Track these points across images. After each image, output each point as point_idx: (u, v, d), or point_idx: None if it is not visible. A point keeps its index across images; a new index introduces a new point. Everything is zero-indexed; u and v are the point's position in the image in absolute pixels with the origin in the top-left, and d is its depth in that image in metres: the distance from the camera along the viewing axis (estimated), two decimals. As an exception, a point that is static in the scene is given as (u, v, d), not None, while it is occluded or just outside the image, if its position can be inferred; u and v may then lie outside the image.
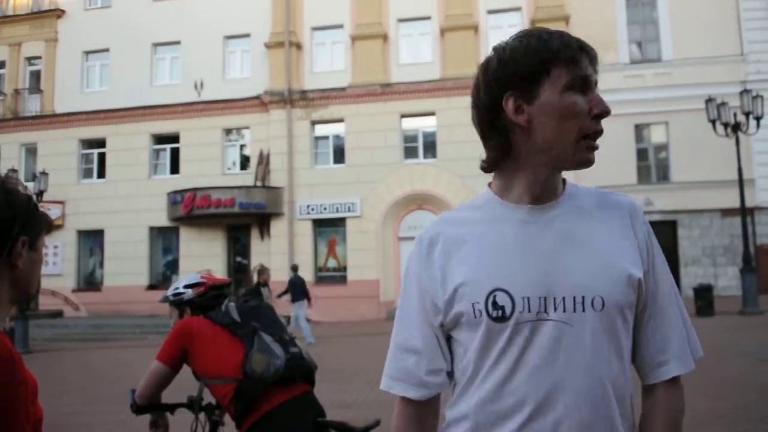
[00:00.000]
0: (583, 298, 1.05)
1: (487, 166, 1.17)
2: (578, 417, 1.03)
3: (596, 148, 1.09)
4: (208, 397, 2.61)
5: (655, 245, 1.16)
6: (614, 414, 1.06)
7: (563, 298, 1.05)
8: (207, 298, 2.74)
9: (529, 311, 1.05)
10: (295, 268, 14.38)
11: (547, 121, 1.07)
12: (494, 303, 1.06)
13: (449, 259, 1.12)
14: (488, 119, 1.12)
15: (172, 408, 2.70)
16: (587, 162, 1.09)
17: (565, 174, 1.17)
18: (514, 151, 1.11)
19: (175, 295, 2.78)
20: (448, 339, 1.15)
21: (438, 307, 1.13)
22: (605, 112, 1.08)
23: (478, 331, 1.07)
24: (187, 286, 2.78)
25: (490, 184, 1.19)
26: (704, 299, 13.90)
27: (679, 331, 1.15)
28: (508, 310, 1.05)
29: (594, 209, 1.14)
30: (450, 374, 1.16)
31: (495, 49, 1.12)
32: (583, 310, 1.05)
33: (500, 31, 19.43)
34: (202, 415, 2.66)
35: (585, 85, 1.08)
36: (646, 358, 1.15)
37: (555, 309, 1.05)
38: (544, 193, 1.12)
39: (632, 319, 1.11)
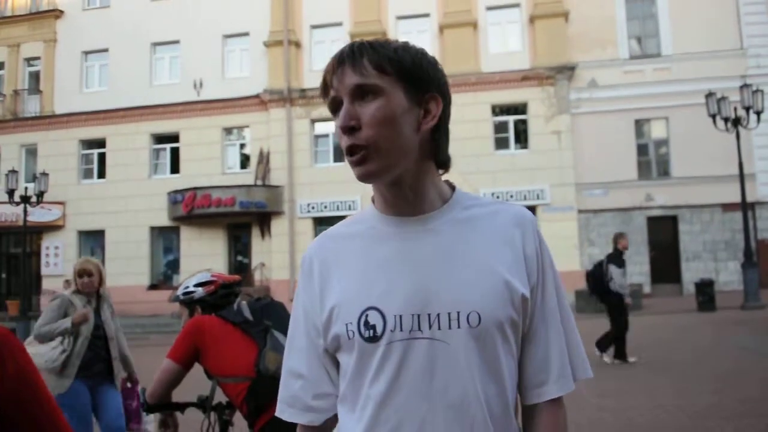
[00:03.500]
0: (458, 313, 0.99)
1: None
2: None
3: (356, 162, 1.02)
4: (219, 397, 2.62)
5: (547, 259, 1.10)
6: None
7: (438, 315, 1.00)
8: (217, 297, 2.74)
9: (401, 329, 1.00)
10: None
11: None
12: (366, 323, 1.01)
13: (328, 278, 1.09)
14: None
15: (183, 407, 2.70)
16: (358, 177, 1.03)
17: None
18: None
19: (185, 294, 2.78)
20: (336, 363, 1.11)
21: (319, 329, 1.09)
22: (342, 127, 1.02)
23: (352, 354, 1.03)
24: (197, 285, 2.77)
25: (373, 198, 1.15)
26: (705, 294, 13.91)
27: (560, 351, 1.08)
28: (379, 330, 1.01)
29: (479, 221, 1.08)
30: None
31: None
32: (459, 326, 0.99)
33: (499, 27, 19.46)
34: (212, 415, 2.67)
35: (336, 104, 1.05)
36: (525, 378, 1.08)
37: (429, 326, 0.99)
38: (403, 204, 1.07)
39: (515, 338, 1.05)
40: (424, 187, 1.08)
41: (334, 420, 1.13)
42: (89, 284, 4.07)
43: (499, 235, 1.07)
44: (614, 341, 8.55)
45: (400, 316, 1.01)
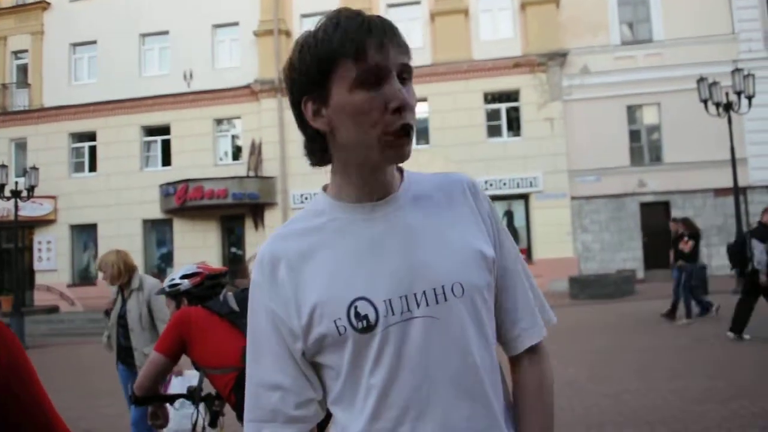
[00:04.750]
0: (443, 287, 1.01)
1: (313, 165, 1.12)
2: (459, 413, 1.00)
3: (404, 143, 1.00)
4: (208, 388, 2.60)
5: (497, 218, 1.14)
6: (491, 401, 1.04)
7: (424, 292, 1.01)
8: (204, 288, 2.73)
9: (393, 313, 1.00)
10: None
11: (344, 123, 1.00)
12: (356, 314, 0.99)
13: (299, 278, 1.03)
14: (299, 124, 1.07)
15: (172, 399, 2.69)
16: (397, 158, 1.01)
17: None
18: (332, 153, 1.06)
19: (171, 286, 2.76)
20: (315, 366, 1.07)
21: (296, 334, 1.03)
22: (403, 106, 0.98)
23: (345, 350, 1.01)
24: (183, 277, 2.76)
25: (325, 188, 1.13)
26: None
27: (527, 301, 1.14)
28: (372, 318, 0.99)
29: (434, 194, 1.10)
30: (321, 404, 1.09)
31: (296, 43, 1.04)
32: (446, 299, 1.01)
33: (490, 14, 19.38)
34: (202, 406, 2.66)
35: (378, 76, 0.98)
36: (504, 332, 1.13)
37: (418, 305, 1.00)
38: (377, 189, 1.06)
39: (492, 299, 1.08)
40: (391, 169, 1.09)
41: (317, 425, 1.10)
42: (106, 278, 4.41)
43: (456, 204, 1.10)
44: (738, 316, 8.32)
45: (390, 300, 1.00)
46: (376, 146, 1.00)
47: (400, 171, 1.13)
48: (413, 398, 1.00)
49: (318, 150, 1.08)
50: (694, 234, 10.59)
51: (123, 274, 4.38)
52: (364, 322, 0.99)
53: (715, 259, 17.74)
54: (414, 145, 1.07)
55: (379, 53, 0.97)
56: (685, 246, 10.53)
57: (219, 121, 20.53)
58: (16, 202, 17.04)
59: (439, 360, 1.00)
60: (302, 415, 1.06)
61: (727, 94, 14.29)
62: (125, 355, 4.40)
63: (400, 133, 0.99)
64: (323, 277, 1.02)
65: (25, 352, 1.02)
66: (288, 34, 19.94)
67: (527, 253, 18.38)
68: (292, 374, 1.05)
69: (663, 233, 18.23)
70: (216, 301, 2.64)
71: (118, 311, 4.41)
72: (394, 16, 19.36)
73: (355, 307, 1.00)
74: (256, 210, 19.48)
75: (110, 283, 4.40)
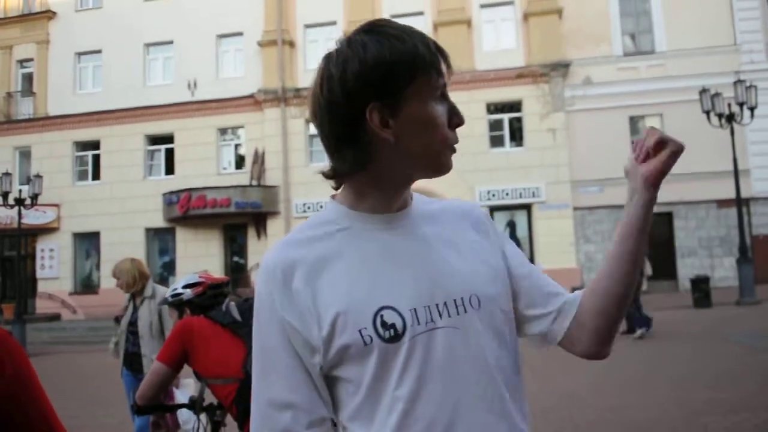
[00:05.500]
0: (462, 299, 1.01)
1: (334, 176, 1.06)
2: (483, 427, 0.99)
3: (455, 151, 1.05)
4: (210, 398, 2.60)
5: (504, 235, 1.18)
6: (514, 415, 1.03)
7: (445, 303, 1.00)
8: (206, 298, 2.73)
9: (419, 323, 0.98)
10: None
11: (413, 134, 0.99)
12: (383, 323, 0.96)
13: (316, 286, 0.99)
14: (347, 129, 1.00)
15: (174, 408, 2.69)
16: (448, 169, 1.05)
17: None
18: (375, 163, 1.01)
19: (173, 296, 2.77)
20: (329, 380, 1.01)
21: (314, 346, 0.98)
22: (462, 123, 1.04)
23: (369, 361, 0.96)
24: (185, 287, 2.76)
25: (333, 196, 1.10)
26: (701, 290, 13.94)
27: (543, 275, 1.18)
28: (399, 327, 0.96)
29: (444, 214, 1.12)
30: (333, 423, 1.04)
31: (350, 44, 0.99)
32: (465, 311, 1.01)
33: (493, 25, 19.47)
34: (203, 416, 2.65)
35: (444, 93, 1.03)
36: (538, 300, 1.14)
37: (441, 316, 0.99)
38: (400, 202, 1.07)
39: (509, 306, 1.09)
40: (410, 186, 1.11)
41: None
42: (120, 285, 4.52)
43: (463, 225, 1.12)
44: None
45: (415, 310, 0.98)
46: (435, 159, 1.02)
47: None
48: (440, 411, 0.97)
49: (358, 162, 1.02)
50: None
51: (137, 282, 4.48)
52: (392, 331, 0.96)
53: (719, 270, 17.70)
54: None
55: (449, 70, 1.02)
56: None
57: (222, 131, 20.60)
58: (19, 210, 17.10)
59: (463, 372, 0.99)
60: None
61: (729, 105, 14.32)
62: (132, 362, 4.48)
63: (453, 148, 1.04)
64: (343, 285, 0.99)
65: (30, 362, 1.03)
66: (292, 44, 20.05)
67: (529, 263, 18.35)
68: (305, 391, 0.99)
69: (666, 244, 18.24)
70: (218, 310, 2.65)
71: (129, 318, 4.51)
72: (398, 27, 19.47)
73: (381, 316, 0.97)
74: (259, 219, 19.50)
75: (125, 290, 4.49)
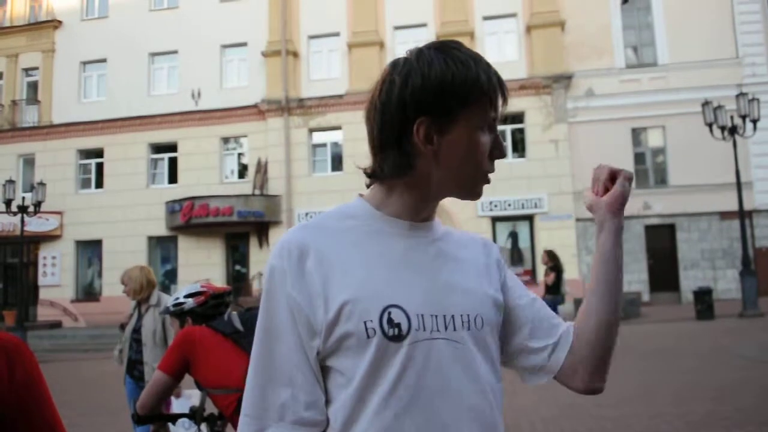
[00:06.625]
0: (469, 316, 1.03)
1: (374, 177, 1.09)
2: None
3: (488, 182, 1.09)
4: (211, 408, 2.60)
5: (507, 269, 1.19)
6: (499, 426, 1.05)
7: (452, 316, 1.01)
8: (208, 307, 2.74)
9: (424, 329, 0.98)
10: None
11: (454, 157, 1.02)
12: (389, 320, 0.96)
13: (329, 272, 0.99)
14: (394, 135, 1.03)
15: (174, 418, 2.68)
16: (477, 197, 1.09)
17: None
18: (412, 173, 1.04)
19: (175, 305, 2.77)
20: (322, 370, 1.00)
21: (315, 329, 0.97)
22: (504, 156, 1.09)
23: (366, 354, 0.96)
24: (187, 296, 2.77)
25: (362, 195, 1.12)
26: (704, 302, 13.89)
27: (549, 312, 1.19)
28: (404, 328, 0.96)
29: (459, 236, 1.16)
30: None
31: (419, 58, 1.02)
32: (468, 328, 1.02)
33: (496, 37, 19.55)
34: (204, 426, 2.65)
35: (492, 126, 1.05)
36: (539, 330, 1.14)
37: (446, 327, 1.00)
38: (424, 215, 1.09)
39: (497, 338, 1.10)
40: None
41: None
42: (127, 292, 4.56)
43: (477, 250, 1.15)
44: None
45: (422, 315, 0.98)
46: (469, 184, 1.06)
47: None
48: (432, 420, 0.96)
49: (399, 168, 1.04)
50: (556, 266, 10.81)
51: (144, 290, 4.52)
52: (396, 329, 0.96)
53: (721, 282, 17.65)
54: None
55: (504, 105, 1.05)
56: (548, 278, 10.81)
57: (226, 140, 20.68)
58: (22, 217, 17.14)
59: (458, 387, 0.99)
60: (312, 418, 0.98)
61: (731, 117, 14.34)
62: (133, 369, 4.51)
63: (487, 177, 1.07)
64: (357, 275, 0.99)
65: (42, 372, 1.03)
66: (295, 54, 20.15)
67: (531, 274, 18.33)
68: (305, 370, 0.98)
69: (668, 256, 18.21)
70: (220, 320, 2.65)
71: (133, 325, 4.55)
72: (401, 39, 19.59)
73: (389, 313, 0.97)
74: (261, 228, 19.52)
75: (131, 297, 4.54)
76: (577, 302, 16.06)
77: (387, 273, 1.00)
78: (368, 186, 1.11)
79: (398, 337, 0.96)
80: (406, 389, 0.96)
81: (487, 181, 1.08)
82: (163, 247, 20.79)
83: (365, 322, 0.96)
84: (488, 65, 1.05)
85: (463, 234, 1.18)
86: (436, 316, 1.00)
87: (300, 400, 0.98)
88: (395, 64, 1.05)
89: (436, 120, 1.01)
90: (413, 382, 0.96)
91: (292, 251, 1.00)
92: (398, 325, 0.96)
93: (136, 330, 4.51)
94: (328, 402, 1.00)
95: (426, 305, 1.00)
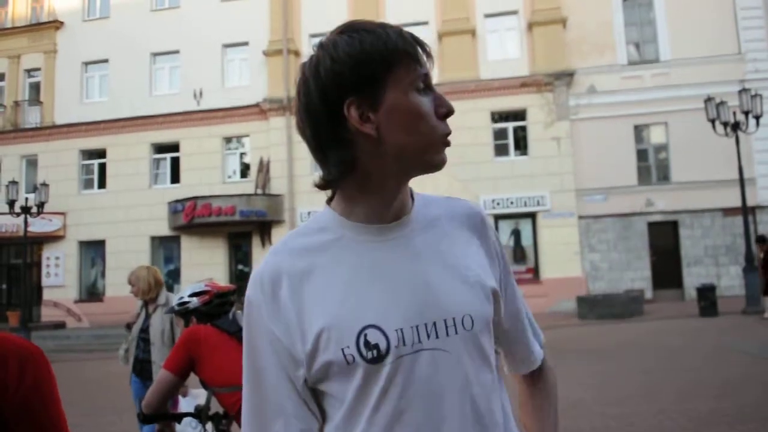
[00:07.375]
0: (454, 319, 0.97)
1: (325, 184, 1.01)
2: None
3: (444, 149, 0.99)
4: (216, 406, 2.61)
5: (506, 257, 1.12)
6: (500, 426, 1.02)
7: (434, 323, 0.95)
8: (212, 306, 2.74)
9: (404, 344, 0.94)
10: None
11: (397, 126, 0.94)
12: (366, 343, 0.93)
13: (302, 299, 0.96)
14: (327, 131, 0.96)
15: (180, 417, 2.69)
16: (441, 163, 0.99)
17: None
18: (359, 164, 0.96)
19: (180, 304, 2.78)
20: (315, 393, 0.99)
21: (298, 360, 0.95)
22: (450, 112, 0.98)
23: (353, 379, 0.94)
24: (192, 295, 2.78)
25: (329, 202, 1.04)
26: (707, 299, 13.87)
27: (531, 322, 1.18)
28: (383, 348, 0.93)
29: (446, 219, 1.05)
30: None
31: (322, 46, 0.97)
32: (456, 332, 0.97)
33: (497, 34, 19.53)
34: (209, 425, 2.66)
35: (427, 83, 0.97)
36: (519, 352, 1.17)
37: (428, 337, 0.95)
38: (392, 210, 1.01)
39: (492, 331, 1.05)
40: (407, 189, 1.04)
41: None
42: (134, 292, 4.61)
43: (469, 232, 1.06)
44: None
45: (401, 330, 0.94)
46: (423, 151, 0.97)
47: (411, 194, 1.07)
48: None
49: (344, 164, 0.97)
50: None
51: (152, 290, 4.59)
52: (374, 351, 0.93)
53: (725, 279, 17.62)
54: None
55: (429, 60, 0.98)
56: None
57: (228, 139, 20.70)
58: (25, 218, 17.18)
59: (447, 397, 0.95)
60: None
61: (734, 113, 14.30)
62: (141, 368, 4.55)
63: (445, 140, 0.98)
64: (330, 301, 0.95)
65: (55, 378, 1.04)
66: (297, 53, 20.16)
67: (534, 272, 18.33)
68: (294, 398, 0.97)
69: (671, 253, 18.18)
70: (225, 319, 2.66)
71: (141, 325, 4.59)
72: (402, 36, 19.54)
73: (365, 335, 0.93)
74: (264, 227, 19.54)
75: (139, 297, 4.59)
76: (580, 300, 16.07)
77: (361, 292, 0.96)
78: (329, 200, 1.04)
79: (377, 359, 0.93)
80: (389, 408, 0.93)
81: (447, 144, 0.98)
82: (165, 247, 20.81)
83: (342, 350, 0.93)
84: (398, 28, 0.98)
85: (448, 208, 1.08)
86: (417, 327, 0.95)
87: (293, 427, 0.97)
88: (303, 64, 1.00)
89: (363, 95, 0.94)
90: (396, 399, 0.93)
91: (265, 283, 0.97)
92: (376, 347, 0.93)
93: (144, 330, 4.54)
94: (326, 421, 0.99)
95: (405, 318, 0.95)
